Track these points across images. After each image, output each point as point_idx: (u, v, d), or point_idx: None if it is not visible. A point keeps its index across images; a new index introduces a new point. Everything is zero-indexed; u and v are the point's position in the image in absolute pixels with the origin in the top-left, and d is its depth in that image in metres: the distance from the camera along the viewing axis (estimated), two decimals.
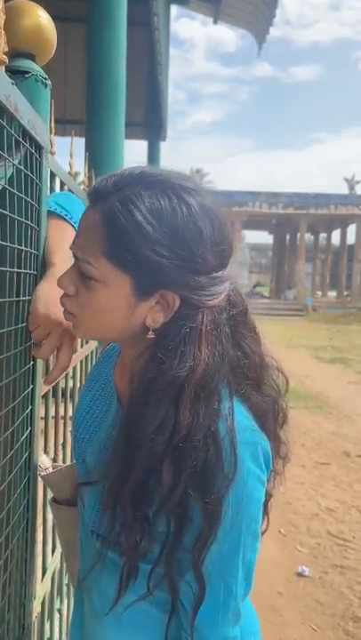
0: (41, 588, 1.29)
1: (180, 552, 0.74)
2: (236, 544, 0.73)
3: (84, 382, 1.51)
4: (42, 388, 1.09)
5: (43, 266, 0.95)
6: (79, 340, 1.84)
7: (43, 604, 1.32)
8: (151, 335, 0.74)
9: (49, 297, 0.87)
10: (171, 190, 0.70)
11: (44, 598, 1.32)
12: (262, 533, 0.83)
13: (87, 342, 1.95)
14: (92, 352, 2.03)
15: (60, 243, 0.96)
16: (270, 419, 0.80)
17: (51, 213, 1.00)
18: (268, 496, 0.85)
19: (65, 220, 1.01)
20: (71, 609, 1.11)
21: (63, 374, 1.18)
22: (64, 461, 1.57)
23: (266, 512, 0.86)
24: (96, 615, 0.86)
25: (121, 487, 0.72)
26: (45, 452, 1.34)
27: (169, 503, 0.70)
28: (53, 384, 1.35)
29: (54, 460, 1.47)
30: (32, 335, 0.90)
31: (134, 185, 0.70)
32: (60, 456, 1.54)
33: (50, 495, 1.06)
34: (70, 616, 1.00)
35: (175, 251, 0.69)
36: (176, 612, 0.78)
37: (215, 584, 0.73)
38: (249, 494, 0.72)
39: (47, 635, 1.41)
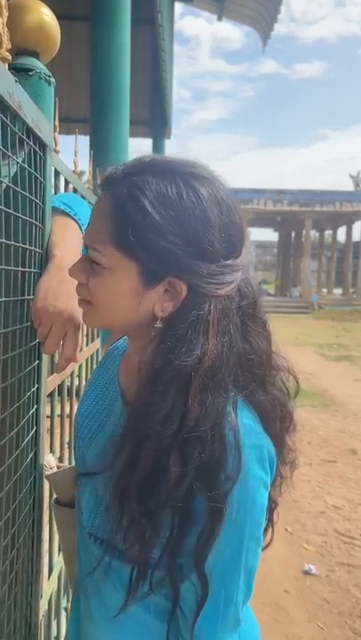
0: (47, 586, 1.29)
1: (182, 553, 0.72)
2: (238, 549, 0.71)
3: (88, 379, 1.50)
4: (47, 387, 1.09)
5: (47, 263, 0.95)
6: (84, 339, 1.84)
7: (49, 602, 1.32)
8: (159, 324, 0.73)
9: (47, 290, 0.88)
10: (179, 177, 0.70)
11: (50, 597, 1.32)
12: (266, 547, 0.81)
13: (92, 341, 1.95)
14: (97, 350, 2.03)
15: (63, 237, 0.97)
16: (275, 421, 0.78)
17: (55, 210, 1.00)
18: (275, 504, 0.84)
19: (69, 216, 1.01)
20: None
21: (71, 366, 1.18)
22: (70, 460, 1.57)
23: (272, 521, 0.84)
24: (93, 620, 0.85)
25: (129, 479, 0.70)
26: (51, 451, 1.34)
27: (175, 496, 0.68)
28: (59, 382, 1.35)
29: (60, 460, 1.47)
30: (37, 332, 0.89)
31: (143, 172, 0.71)
32: (66, 455, 1.54)
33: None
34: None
35: (182, 237, 0.69)
36: (175, 617, 0.76)
37: (216, 589, 0.71)
38: (253, 498, 0.71)
39: (54, 633, 1.41)
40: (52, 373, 1.24)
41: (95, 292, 0.75)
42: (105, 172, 0.76)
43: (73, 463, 0.98)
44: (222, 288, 0.71)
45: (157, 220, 0.68)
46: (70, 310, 0.88)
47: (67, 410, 1.53)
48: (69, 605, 1.61)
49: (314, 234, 33.88)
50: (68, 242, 0.97)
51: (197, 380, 0.68)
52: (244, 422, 0.71)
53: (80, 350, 0.92)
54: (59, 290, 0.88)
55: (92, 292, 0.75)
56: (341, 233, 31.06)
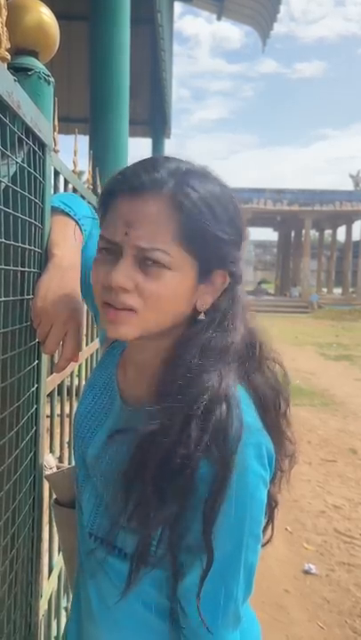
0: (48, 586, 1.29)
1: (185, 533, 0.72)
2: (238, 545, 0.72)
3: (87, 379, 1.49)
4: (47, 386, 1.09)
5: (47, 263, 0.95)
6: (84, 339, 1.84)
7: (49, 602, 1.32)
8: (202, 317, 0.78)
9: (47, 289, 0.87)
10: (209, 174, 0.76)
11: (50, 596, 1.33)
12: (266, 543, 0.81)
13: (92, 341, 1.95)
14: (96, 350, 2.03)
15: (64, 236, 0.96)
16: (272, 406, 0.80)
17: (54, 210, 0.99)
18: (275, 502, 0.84)
19: (68, 216, 1.00)
20: None
21: (70, 365, 1.17)
22: (69, 460, 1.57)
23: (272, 519, 0.85)
24: (94, 620, 0.85)
25: (152, 448, 0.71)
26: (51, 450, 1.34)
27: (189, 463, 0.69)
28: (59, 382, 1.36)
29: (60, 459, 1.47)
30: (37, 331, 0.89)
31: (184, 172, 0.74)
32: (66, 455, 1.54)
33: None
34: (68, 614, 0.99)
35: (230, 228, 0.75)
36: (176, 615, 0.77)
37: (216, 586, 0.72)
38: (252, 494, 0.72)
39: (54, 633, 1.42)
40: (52, 373, 1.24)
41: (151, 295, 0.72)
42: (130, 176, 0.73)
43: (73, 463, 0.98)
44: (242, 272, 0.80)
45: (214, 215, 0.73)
46: (71, 310, 0.88)
47: (67, 410, 1.53)
48: (69, 605, 1.61)
49: (314, 233, 33.87)
50: (68, 241, 0.96)
51: (230, 357, 0.75)
52: (246, 419, 0.72)
53: (80, 350, 0.92)
54: (59, 289, 0.88)
55: (147, 295, 0.72)
56: (341, 232, 31.10)
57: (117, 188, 0.74)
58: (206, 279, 0.76)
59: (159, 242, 0.71)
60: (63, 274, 0.89)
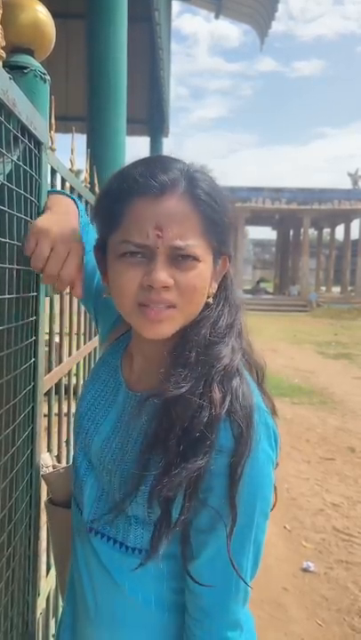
0: (45, 584, 1.29)
1: (200, 506, 0.74)
2: (249, 522, 0.75)
3: (87, 377, 1.49)
4: (44, 385, 1.09)
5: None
6: (81, 338, 1.84)
7: (47, 600, 1.32)
8: (210, 300, 0.82)
9: (49, 217, 0.89)
10: (201, 168, 0.81)
11: (48, 594, 1.33)
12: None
13: (90, 339, 1.95)
14: (94, 350, 2.03)
15: (59, 203, 0.97)
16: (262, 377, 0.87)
17: (52, 192, 1.02)
18: (274, 487, 0.86)
19: (64, 194, 1.03)
20: None
21: (68, 364, 1.16)
22: (67, 459, 1.57)
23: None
24: (92, 621, 0.85)
25: (176, 412, 0.74)
26: (49, 449, 1.34)
27: (212, 425, 0.72)
28: (56, 380, 1.35)
29: (58, 458, 1.47)
30: (32, 258, 0.84)
31: (187, 168, 0.78)
32: (64, 453, 1.54)
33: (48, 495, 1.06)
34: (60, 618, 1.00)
35: (229, 214, 0.81)
36: (183, 608, 0.79)
37: (227, 561, 0.74)
38: (263, 472, 0.75)
39: (52, 631, 1.42)
40: (50, 371, 1.24)
41: (188, 288, 0.76)
42: (148, 177, 0.74)
43: (71, 462, 0.98)
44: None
45: (219, 205, 0.79)
46: (74, 231, 0.90)
47: (64, 408, 1.53)
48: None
49: (312, 232, 33.86)
50: (68, 207, 0.98)
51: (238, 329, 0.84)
52: (257, 401, 0.77)
53: (82, 276, 0.92)
54: (62, 217, 0.91)
55: (185, 289, 0.76)
56: (340, 231, 31.10)
57: (132, 191, 0.75)
58: (216, 264, 0.83)
59: (190, 238, 0.75)
60: (65, 217, 0.93)
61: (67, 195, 1.03)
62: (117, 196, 0.77)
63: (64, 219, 0.91)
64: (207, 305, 0.82)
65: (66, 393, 1.56)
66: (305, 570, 2.95)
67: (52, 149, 1.14)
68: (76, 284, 0.90)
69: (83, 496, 0.87)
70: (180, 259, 0.75)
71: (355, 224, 28.52)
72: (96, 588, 0.84)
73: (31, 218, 0.87)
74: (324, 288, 32.61)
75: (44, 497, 1.04)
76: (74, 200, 1.01)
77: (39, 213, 0.92)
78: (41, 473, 0.99)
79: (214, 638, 0.77)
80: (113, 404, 0.89)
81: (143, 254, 0.75)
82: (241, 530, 0.73)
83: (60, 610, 1.50)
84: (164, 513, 0.75)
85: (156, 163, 0.77)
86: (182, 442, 0.73)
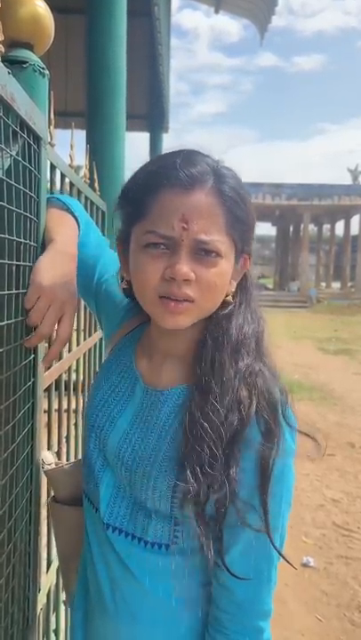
0: (46, 580, 1.30)
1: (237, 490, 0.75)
2: (276, 515, 0.77)
3: (95, 373, 1.50)
4: (44, 381, 1.09)
5: (47, 245, 0.94)
6: (81, 334, 1.84)
7: (48, 595, 1.32)
8: (230, 299, 0.82)
9: (48, 270, 0.87)
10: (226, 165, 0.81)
11: (49, 590, 1.33)
12: None
13: (90, 335, 1.95)
14: (94, 345, 2.03)
15: (63, 225, 0.97)
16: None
17: (51, 202, 1.00)
18: None
19: (66, 210, 1.01)
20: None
21: (69, 359, 1.16)
22: (67, 455, 1.57)
23: None
24: (110, 616, 0.85)
25: (208, 414, 0.76)
26: (49, 445, 1.34)
27: (243, 421, 0.74)
28: (56, 377, 1.35)
29: (57, 454, 1.47)
30: (30, 312, 0.85)
31: (215, 164, 0.78)
32: (64, 450, 1.54)
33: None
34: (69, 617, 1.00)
35: (253, 213, 0.81)
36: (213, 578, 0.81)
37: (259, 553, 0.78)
38: (288, 464, 0.78)
39: (53, 626, 1.42)
40: (49, 368, 1.24)
41: (209, 284, 0.76)
42: (177, 172, 0.74)
43: (72, 459, 0.97)
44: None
45: (244, 203, 0.79)
46: (71, 293, 0.89)
47: (64, 405, 1.53)
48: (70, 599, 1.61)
49: (312, 228, 33.81)
50: (67, 230, 0.97)
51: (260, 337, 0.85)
52: (278, 397, 0.78)
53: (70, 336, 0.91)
54: (60, 271, 0.88)
55: (205, 285, 0.76)
56: (340, 227, 31.09)
57: (160, 183, 0.75)
58: (237, 262, 0.82)
59: (215, 233, 0.75)
60: (64, 258, 0.91)
61: (65, 204, 1.02)
62: (145, 187, 0.77)
63: (66, 265, 0.91)
64: (226, 303, 0.82)
65: (66, 389, 1.56)
66: (305, 565, 2.96)
67: (52, 145, 1.14)
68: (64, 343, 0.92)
69: (98, 493, 0.86)
70: (203, 253, 0.75)
71: (355, 220, 28.53)
72: (115, 584, 0.84)
73: (30, 214, 0.87)
74: (324, 284, 32.64)
75: (44, 494, 1.04)
76: (73, 211, 1.01)
77: (38, 209, 0.92)
78: (44, 470, 0.99)
79: (248, 629, 0.80)
80: (129, 400, 0.88)
81: (167, 246, 0.75)
82: (270, 521, 0.76)
83: (61, 606, 1.51)
84: (198, 512, 0.76)
85: (185, 156, 0.77)
86: (217, 441, 0.74)
